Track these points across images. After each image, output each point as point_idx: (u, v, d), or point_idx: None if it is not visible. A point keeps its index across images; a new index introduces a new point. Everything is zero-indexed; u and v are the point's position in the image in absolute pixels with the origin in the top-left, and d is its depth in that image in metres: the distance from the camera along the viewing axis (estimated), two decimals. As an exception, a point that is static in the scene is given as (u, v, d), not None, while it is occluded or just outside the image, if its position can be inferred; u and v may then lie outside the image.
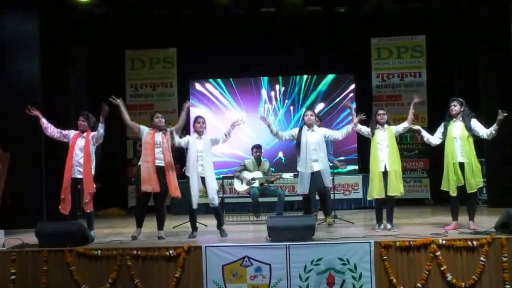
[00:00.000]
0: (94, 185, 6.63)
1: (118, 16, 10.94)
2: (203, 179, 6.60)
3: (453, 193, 6.46)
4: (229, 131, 6.76)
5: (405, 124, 6.82)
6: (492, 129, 6.36)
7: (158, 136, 6.60)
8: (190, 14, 10.90)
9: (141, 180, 6.48)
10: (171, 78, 11.64)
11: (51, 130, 6.71)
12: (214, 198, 6.61)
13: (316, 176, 6.86)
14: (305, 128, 6.87)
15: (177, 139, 6.65)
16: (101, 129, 6.57)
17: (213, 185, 6.63)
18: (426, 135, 6.79)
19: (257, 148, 8.52)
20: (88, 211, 6.63)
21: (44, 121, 6.70)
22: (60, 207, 6.53)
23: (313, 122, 6.91)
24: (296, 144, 6.94)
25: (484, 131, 6.44)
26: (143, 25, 11.18)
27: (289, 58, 11.43)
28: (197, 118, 6.85)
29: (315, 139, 6.78)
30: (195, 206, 6.60)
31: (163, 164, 6.56)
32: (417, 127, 6.91)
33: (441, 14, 10.90)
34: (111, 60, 11.38)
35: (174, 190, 6.60)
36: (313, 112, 7.02)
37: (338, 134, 7.00)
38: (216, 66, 11.60)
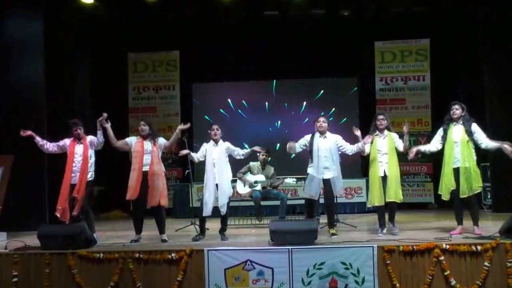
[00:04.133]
0: (84, 190, 6.55)
1: (121, 19, 10.96)
2: (217, 186, 6.66)
3: (445, 197, 6.44)
4: (246, 153, 6.93)
5: (400, 147, 6.66)
6: (494, 145, 6.27)
7: (148, 144, 6.60)
8: (193, 17, 10.91)
9: (128, 188, 6.50)
10: (174, 81, 11.64)
11: (48, 146, 6.71)
12: (224, 205, 6.65)
13: (325, 184, 6.76)
14: (317, 134, 6.77)
15: (196, 157, 6.81)
16: (100, 136, 6.58)
17: (225, 192, 6.66)
18: (425, 149, 6.71)
19: (265, 152, 8.52)
20: (73, 213, 6.53)
21: (38, 139, 6.68)
22: (59, 216, 6.50)
23: (325, 129, 6.82)
24: (308, 151, 6.86)
25: (484, 141, 6.32)
26: (146, 27, 11.19)
27: (293, 61, 11.42)
28: (211, 126, 6.93)
29: (326, 146, 6.70)
30: (205, 214, 6.63)
31: (148, 169, 6.52)
32: (414, 150, 6.65)
33: (444, 17, 10.88)
34: (114, 63, 11.38)
35: (157, 198, 6.50)
36: (326, 118, 6.86)
37: (349, 149, 6.77)
38: (219, 69, 11.59)
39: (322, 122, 6.78)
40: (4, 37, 8.69)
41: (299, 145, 6.89)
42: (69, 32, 9.84)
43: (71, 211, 6.52)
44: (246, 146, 10.00)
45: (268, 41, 11.24)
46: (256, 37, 11.28)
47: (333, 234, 6.70)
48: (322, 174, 6.65)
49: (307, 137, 6.87)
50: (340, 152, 6.95)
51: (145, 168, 6.52)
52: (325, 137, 6.77)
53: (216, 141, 6.81)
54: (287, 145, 6.91)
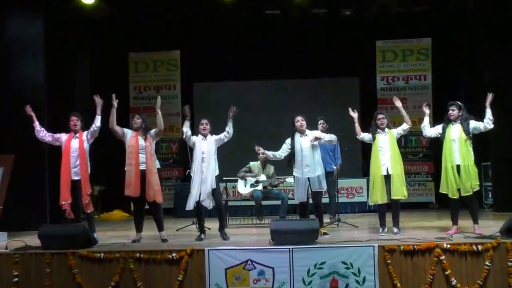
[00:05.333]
0: (90, 185, 6.62)
1: (122, 19, 10.95)
2: (204, 180, 6.61)
3: (454, 195, 6.42)
4: (228, 126, 6.78)
5: (404, 126, 6.80)
6: (487, 116, 6.33)
7: (141, 140, 6.61)
8: (194, 16, 10.91)
9: (125, 184, 6.51)
10: (174, 81, 11.64)
11: (43, 134, 6.72)
12: (205, 200, 6.58)
13: (312, 182, 6.74)
14: (297, 135, 6.78)
15: (191, 140, 6.75)
16: (97, 121, 6.59)
17: (209, 187, 6.58)
18: (426, 122, 6.77)
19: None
20: (88, 211, 6.64)
21: (37, 123, 6.70)
22: (66, 213, 6.53)
23: (305, 128, 6.83)
24: (291, 153, 6.83)
25: (483, 124, 6.40)
26: (147, 27, 11.19)
27: (294, 61, 11.40)
28: (200, 120, 6.91)
29: (308, 144, 6.73)
30: (190, 207, 6.61)
31: (145, 168, 6.54)
32: (427, 111, 6.80)
33: (444, 17, 10.87)
34: (114, 63, 11.39)
35: (153, 195, 6.52)
36: (304, 117, 6.84)
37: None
38: (220, 69, 11.58)
39: (301, 120, 6.80)
40: (4, 37, 8.70)
41: (282, 150, 6.87)
42: (69, 32, 9.84)
43: (77, 210, 6.56)
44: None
45: (269, 41, 11.23)
46: (256, 37, 11.27)
47: (324, 234, 6.73)
48: (307, 173, 6.64)
49: (288, 140, 6.86)
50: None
51: (142, 167, 6.53)
52: (306, 135, 6.79)
53: (205, 135, 6.79)
54: (268, 154, 6.88)
